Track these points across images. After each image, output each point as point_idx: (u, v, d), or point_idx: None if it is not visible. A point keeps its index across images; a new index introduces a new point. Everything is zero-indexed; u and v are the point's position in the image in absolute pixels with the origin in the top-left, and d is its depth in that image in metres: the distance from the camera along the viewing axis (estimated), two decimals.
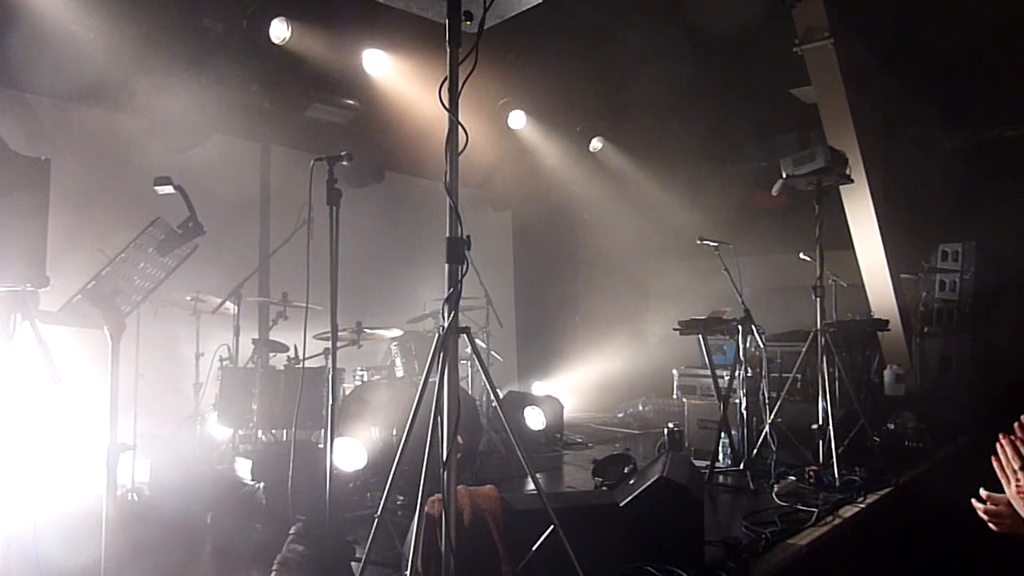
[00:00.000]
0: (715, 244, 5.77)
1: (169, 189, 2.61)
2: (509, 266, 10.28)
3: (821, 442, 5.30)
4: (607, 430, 8.19)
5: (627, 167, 9.74)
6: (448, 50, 2.70)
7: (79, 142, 5.66)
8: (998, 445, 1.86)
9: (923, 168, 8.67)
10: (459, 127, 2.67)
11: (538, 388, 8.70)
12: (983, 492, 1.89)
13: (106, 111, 5.91)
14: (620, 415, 9.08)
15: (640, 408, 9.15)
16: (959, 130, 8.86)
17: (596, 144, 9.52)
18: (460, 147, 2.69)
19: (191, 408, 5.67)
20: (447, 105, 2.66)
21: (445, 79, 2.69)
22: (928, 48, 7.36)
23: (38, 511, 2.68)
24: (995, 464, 1.87)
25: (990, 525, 1.88)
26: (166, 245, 2.57)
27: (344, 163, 3.51)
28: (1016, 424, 1.86)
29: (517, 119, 8.56)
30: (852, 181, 6.04)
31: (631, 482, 3.84)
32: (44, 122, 5.60)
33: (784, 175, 5.59)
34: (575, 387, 9.34)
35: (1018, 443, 1.83)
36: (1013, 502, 1.81)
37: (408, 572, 2.56)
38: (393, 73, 7.05)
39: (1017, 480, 1.80)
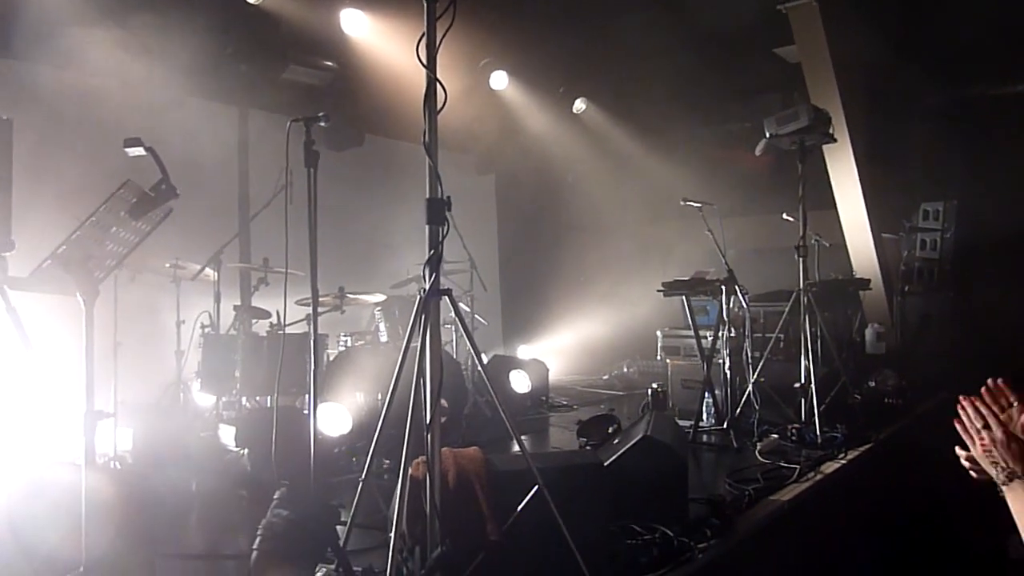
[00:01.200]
0: (699, 205, 5.75)
1: (140, 151, 2.54)
2: (493, 229, 10.23)
3: (803, 400, 5.36)
4: (592, 392, 8.23)
5: (611, 128, 9.67)
6: (425, 5, 2.63)
7: (44, 104, 5.51)
8: (959, 408, 1.88)
9: (906, 127, 8.66)
10: (438, 84, 2.61)
11: (523, 351, 8.71)
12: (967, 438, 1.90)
13: (74, 73, 5.75)
14: (605, 377, 9.13)
15: (625, 370, 9.21)
16: (942, 89, 8.83)
17: (579, 105, 9.43)
18: (439, 105, 2.63)
19: (173, 376, 5.63)
20: (425, 62, 2.60)
21: (423, 35, 2.62)
22: (912, 6, 7.30)
23: (14, 481, 2.65)
24: (958, 426, 1.88)
25: (971, 473, 1.89)
26: (138, 208, 2.51)
27: (322, 124, 3.42)
28: (983, 388, 1.88)
29: (499, 80, 8.44)
30: (835, 140, 6.02)
31: (615, 442, 3.86)
32: (7, 82, 5.45)
33: (768, 135, 5.55)
34: (560, 350, 9.37)
35: (977, 403, 1.85)
36: (980, 461, 1.83)
37: (393, 534, 2.56)
38: (372, 33, 6.91)
39: (981, 439, 1.81)
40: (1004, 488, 1.76)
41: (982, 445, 1.81)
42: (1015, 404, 1.85)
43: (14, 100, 5.33)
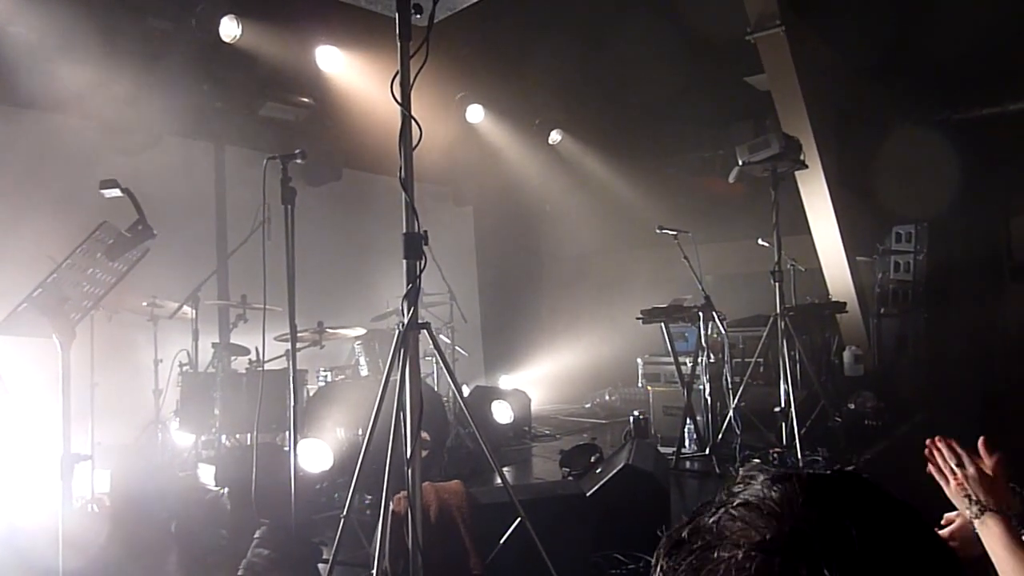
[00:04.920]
0: (674, 233, 5.82)
1: (116, 192, 2.55)
2: (472, 261, 10.25)
3: (784, 424, 5.38)
4: (575, 421, 8.23)
5: (586, 158, 9.77)
6: (399, 44, 2.67)
7: (20, 147, 5.50)
8: (932, 449, 1.89)
9: (877, 151, 8.84)
10: (412, 121, 2.65)
11: (505, 382, 8.70)
12: (945, 518, 1.91)
13: (50, 115, 5.74)
14: (587, 405, 9.12)
15: (607, 398, 9.21)
16: (911, 113, 9.04)
17: (555, 136, 9.52)
18: (414, 142, 2.67)
19: (152, 416, 5.56)
20: (399, 99, 2.64)
21: (397, 73, 2.67)
22: (877, 34, 7.49)
23: None
24: (932, 469, 1.89)
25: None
26: (115, 249, 2.51)
27: (298, 161, 3.47)
28: (937, 439, 1.90)
29: (475, 113, 8.53)
30: (807, 166, 6.13)
31: (598, 471, 3.87)
32: None
33: (740, 162, 5.65)
34: (542, 379, 9.36)
35: (952, 443, 1.87)
36: (953, 500, 1.83)
37: (375, 571, 2.54)
38: (348, 69, 6.97)
39: (955, 476, 1.83)
40: (977, 524, 1.77)
41: (956, 482, 1.83)
42: (964, 455, 1.88)
43: None
